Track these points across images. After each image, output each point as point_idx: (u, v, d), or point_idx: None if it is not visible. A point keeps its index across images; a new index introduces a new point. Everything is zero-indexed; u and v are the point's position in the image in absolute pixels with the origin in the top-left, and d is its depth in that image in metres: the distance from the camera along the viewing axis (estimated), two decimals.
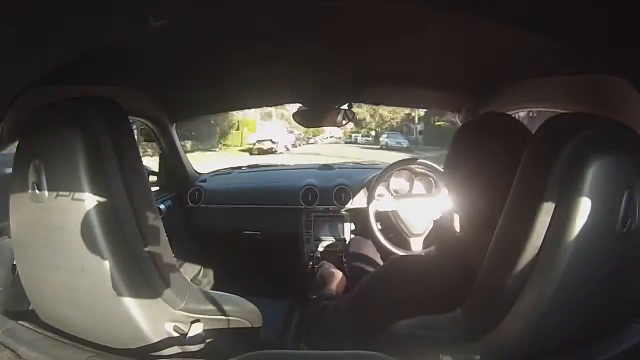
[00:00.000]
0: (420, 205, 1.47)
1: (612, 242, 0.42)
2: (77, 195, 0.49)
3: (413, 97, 1.44)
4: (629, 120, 0.47)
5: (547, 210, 0.43)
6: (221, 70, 1.00)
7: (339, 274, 1.10)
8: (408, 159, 1.53)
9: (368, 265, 1.32)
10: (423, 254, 0.73)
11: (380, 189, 1.49)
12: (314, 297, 0.99)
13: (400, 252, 1.36)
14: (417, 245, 1.43)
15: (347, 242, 1.53)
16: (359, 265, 1.33)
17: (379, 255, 1.38)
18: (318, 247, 1.55)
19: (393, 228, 1.47)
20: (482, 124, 0.69)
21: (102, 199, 0.50)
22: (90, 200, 0.49)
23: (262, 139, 14.51)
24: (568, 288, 0.43)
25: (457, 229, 0.71)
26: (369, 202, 1.44)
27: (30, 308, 0.59)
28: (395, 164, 1.50)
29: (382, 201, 1.46)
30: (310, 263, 1.52)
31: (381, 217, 1.46)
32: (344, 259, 1.44)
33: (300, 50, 0.87)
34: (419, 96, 1.39)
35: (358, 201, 1.53)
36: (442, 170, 0.73)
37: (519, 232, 0.45)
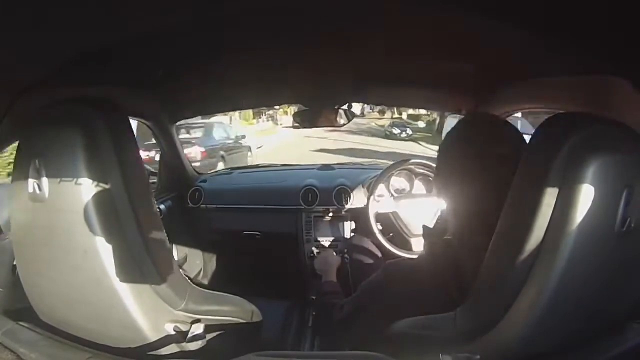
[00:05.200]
0: (421, 205, 1.47)
1: (611, 241, 0.42)
2: (77, 195, 0.49)
3: (413, 97, 1.44)
4: (629, 120, 0.47)
5: (546, 210, 0.43)
6: (221, 70, 1.00)
7: (336, 260, 1.10)
8: (408, 159, 1.53)
9: (370, 259, 1.33)
10: (415, 257, 0.73)
11: (380, 189, 1.49)
12: (313, 297, 1.00)
13: (400, 253, 1.36)
14: (418, 246, 1.43)
15: (349, 238, 1.54)
16: (360, 259, 1.34)
17: (380, 251, 1.38)
18: (318, 247, 1.55)
19: (393, 229, 1.47)
20: (472, 125, 0.69)
21: (102, 199, 0.50)
22: (90, 200, 0.49)
23: None
24: (567, 287, 0.43)
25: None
26: (369, 203, 1.44)
27: (30, 308, 0.59)
28: (395, 164, 1.50)
29: (382, 202, 1.46)
30: (310, 264, 1.52)
31: (381, 217, 1.46)
32: (345, 253, 1.44)
33: (301, 50, 0.87)
34: (419, 96, 1.39)
35: (358, 201, 1.53)
36: (434, 172, 0.74)
37: (518, 231, 0.45)
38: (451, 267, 0.61)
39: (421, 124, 15.83)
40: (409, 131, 15.35)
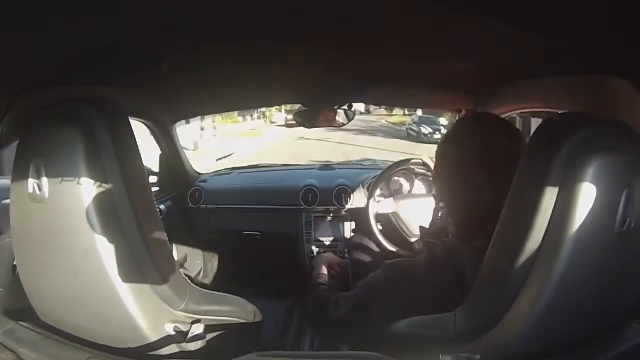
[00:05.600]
0: (421, 205, 1.47)
1: (611, 241, 0.42)
2: (77, 195, 0.49)
3: (413, 97, 1.44)
4: (629, 120, 0.47)
5: (546, 210, 0.43)
6: (221, 70, 1.00)
7: (331, 257, 1.10)
8: (408, 159, 1.53)
9: (370, 259, 1.32)
10: (414, 258, 0.73)
11: (380, 190, 1.49)
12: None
13: (401, 253, 1.36)
14: (418, 246, 1.43)
15: (349, 238, 1.54)
16: (360, 258, 1.34)
17: (380, 250, 1.38)
18: (318, 247, 1.55)
19: (394, 229, 1.47)
20: (472, 125, 0.69)
21: (102, 199, 0.50)
22: (90, 200, 0.49)
23: None
24: (567, 287, 0.43)
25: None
26: (369, 203, 1.44)
27: (30, 308, 0.59)
28: (395, 164, 1.50)
29: (382, 202, 1.46)
30: (310, 264, 1.53)
31: (381, 217, 1.46)
32: (345, 253, 1.44)
33: (301, 50, 0.87)
34: (419, 96, 1.39)
35: (358, 202, 1.53)
36: (433, 173, 0.73)
37: (518, 231, 0.45)
38: (450, 268, 0.61)
39: (443, 121, 11.15)
40: (444, 131, 11.26)
